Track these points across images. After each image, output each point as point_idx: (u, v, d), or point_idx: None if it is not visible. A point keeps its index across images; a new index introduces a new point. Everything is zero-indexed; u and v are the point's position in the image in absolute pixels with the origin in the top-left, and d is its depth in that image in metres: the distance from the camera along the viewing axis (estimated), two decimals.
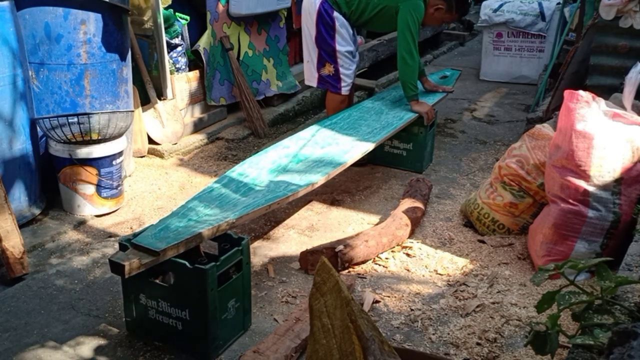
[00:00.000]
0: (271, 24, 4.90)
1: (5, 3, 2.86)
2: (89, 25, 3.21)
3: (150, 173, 3.79)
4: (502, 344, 2.26)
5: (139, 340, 2.28)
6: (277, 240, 3.05)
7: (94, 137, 3.09)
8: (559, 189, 2.64)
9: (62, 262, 2.81)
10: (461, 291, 2.59)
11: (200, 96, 4.43)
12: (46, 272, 2.72)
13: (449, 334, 2.32)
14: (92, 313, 2.45)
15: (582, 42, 4.00)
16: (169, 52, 4.05)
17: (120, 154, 3.23)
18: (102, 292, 2.59)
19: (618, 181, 2.54)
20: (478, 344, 2.25)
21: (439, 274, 2.75)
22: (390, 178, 3.80)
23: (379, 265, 2.82)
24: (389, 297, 2.57)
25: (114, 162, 3.19)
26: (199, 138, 4.26)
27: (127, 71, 3.54)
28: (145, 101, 4.02)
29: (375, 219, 3.27)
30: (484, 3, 6.14)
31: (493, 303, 2.50)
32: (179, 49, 4.15)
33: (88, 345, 2.26)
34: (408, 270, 2.79)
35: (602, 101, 2.68)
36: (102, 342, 2.28)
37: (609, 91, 3.38)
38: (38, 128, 3.14)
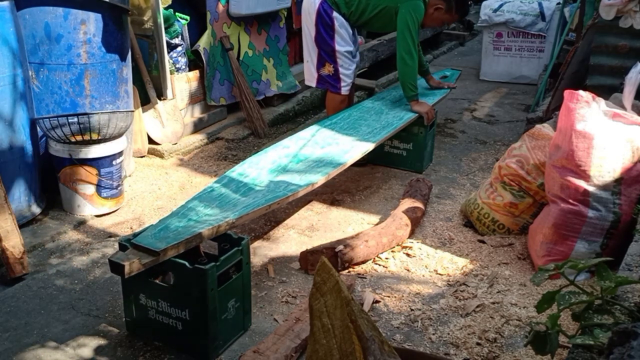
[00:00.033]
0: (271, 24, 4.90)
1: (5, 3, 2.86)
2: (89, 25, 3.21)
3: (150, 173, 3.80)
4: (502, 344, 2.26)
5: (139, 340, 2.28)
6: (277, 240, 3.05)
7: (94, 137, 3.09)
8: (559, 189, 2.64)
9: (62, 262, 2.81)
10: (461, 291, 2.59)
11: (200, 96, 4.43)
12: (46, 272, 2.72)
13: (449, 334, 2.32)
14: (92, 313, 2.45)
15: (582, 42, 4.00)
16: (169, 52, 4.05)
17: (120, 154, 3.23)
18: (102, 292, 2.59)
19: (618, 181, 2.54)
20: (478, 344, 2.25)
21: (439, 274, 2.75)
22: (390, 178, 3.80)
23: (379, 265, 2.82)
24: (389, 297, 2.57)
25: (114, 162, 3.19)
26: (199, 138, 4.26)
27: (127, 71, 3.54)
28: (145, 101, 4.02)
29: (375, 219, 3.27)
30: (484, 3, 6.14)
31: (493, 303, 2.50)
32: (179, 49, 4.15)
33: (88, 345, 2.26)
34: (408, 270, 2.79)
35: (602, 101, 2.68)
36: (102, 342, 2.28)
37: (609, 91, 3.38)
38: (38, 128, 3.14)
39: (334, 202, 3.46)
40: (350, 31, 3.76)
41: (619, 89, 3.20)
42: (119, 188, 3.28)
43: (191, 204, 2.42)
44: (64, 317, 2.42)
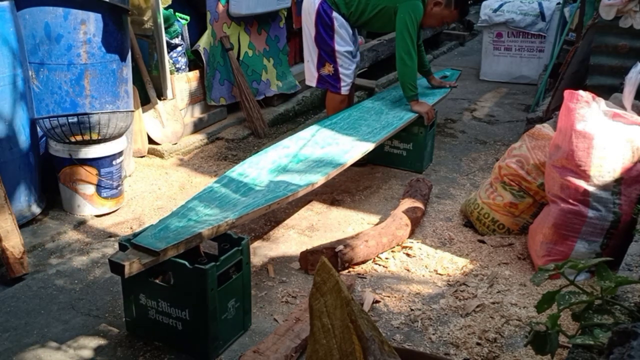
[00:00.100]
0: (271, 24, 4.90)
1: (5, 3, 2.86)
2: (89, 25, 3.21)
3: (150, 173, 3.80)
4: (502, 344, 2.26)
5: (139, 340, 2.28)
6: (277, 240, 3.05)
7: (94, 137, 3.09)
8: (559, 189, 2.64)
9: (62, 262, 2.81)
10: (461, 291, 2.59)
11: (200, 96, 4.43)
12: (46, 272, 2.72)
13: (449, 334, 2.32)
14: (92, 313, 2.45)
15: (582, 42, 4.00)
16: (169, 52, 4.05)
17: (120, 154, 3.23)
18: (102, 292, 2.59)
19: (618, 181, 2.54)
20: (478, 344, 2.25)
21: (439, 274, 2.75)
22: (390, 178, 3.80)
23: (379, 265, 2.82)
24: (389, 297, 2.57)
25: (114, 162, 3.19)
26: (199, 138, 4.26)
27: (127, 71, 3.54)
28: (145, 101, 4.02)
29: (375, 219, 3.27)
30: (484, 3, 6.14)
31: (493, 303, 2.50)
32: (179, 49, 4.15)
33: (88, 345, 2.26)
34: (408, 270, 2.79)
35: (602, 101, 2.68)
36: (102, 342, 2.28)
37: (609, 91, 3.38)
38: (38, 128, 3.14)
39: (334, 202, 3.46)
40: (350, 31, 3.76)
41: (619, 89, 3.20)
42: (119, 188, 3.28)
43: (191, 204, 2.42)
44: (64, 317, 2.42)
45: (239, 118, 4.62)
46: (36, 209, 3.13)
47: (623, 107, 2.77)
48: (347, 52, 3.76)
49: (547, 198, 2.78)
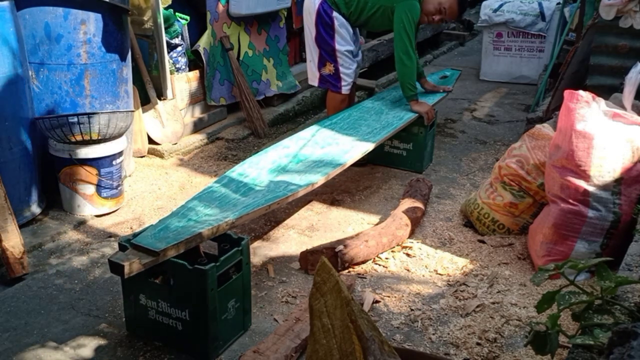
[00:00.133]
0: (271, 24, 4.90)
1: (5, 3, 2.86)
2: (89, 25, 3.21)
3: (150, 173, 3.80)
4: (502, 344, 2.26)
5: (139, 340, 2.28)
6: (277, 240, 3.05)
7: (94, 137, 3.09)
8: (559, 189, 2.64)
9: (62, 262, 2.81)
10: (461, 291, 2.59)
11: (200, 96, 4.43)
12: (46, 272, 2.72)
13: (449, 334, 2.32)
14: (92, 313, 2.45)
15: (582, 42, 4.00)
16: (169, 52, 4.05)
17: (120, 154, 3.23)
18: (102, 292, 2.59)
19: (618, 181, 2.54)
20: (478, 344, 2.25)
21: (439, 274, 2.75)
22: (390, 178, 3.80)
23: (379, 265, 2.82)
24: (389, 297, 2.57)
25: (114, 162, 3.19)
26: (199, 138, 4.26)
27: (127, 71, 3.54)
28: (145, 101, 4.02)
29: (375, 219, 3.27)
30: (484, 3, 6.14)
31: (493, 303, 2.50)
32: (179, 49, 4.15)
33: (88, 345, 2.26)
34: (408, 270, 2.79)
35: (602, 101, 2.68)
36: (102, 342, 2.28)
37: (609, 91, 3.38)
38: (38, 128, 3.14)
39: (334, 202, 3.46)
40: (351, 31, 3.77)
41: (619, 89, 3.20)
42: (119, 188, 3.28)
43: (191, 204, 2.42)
44: (64, 317, 2.42)
45: (239, 118, 4.62)
46: (36, 209, 3.13)
47: (623, 107, 2.77)
48: (347, 52, 3.76)
49: (547, 198, 2.78)
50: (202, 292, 2.08)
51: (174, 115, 4.12)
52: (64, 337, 2.30)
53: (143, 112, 3.96)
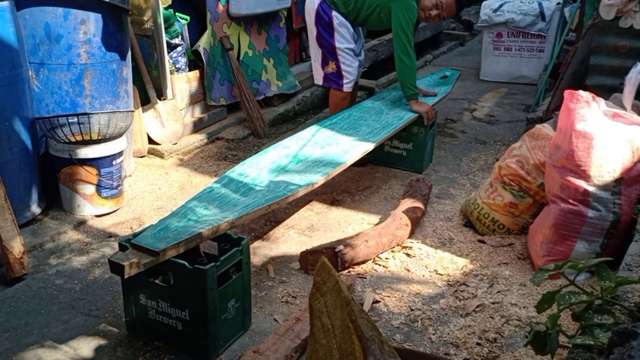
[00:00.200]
0: (271, 24, 4.90)
1: (5, 3, 2.86)
2: (89, 25, 3.21)
3: (150, 173, 3.79)
4: (502, 344, 2.26)
5: (139, 340, 2.28)
6: (277, 240, 3.05)
7: (94, 137, 3.09)
8: (559, 189, 2.63)
9: (62, 262, 2.81)
10: (461, 291, 2.59)
11: (200, 96, 4.43)
12: (46, 272, 2.72)
13: (449, 334, 2.32)
14: (92, 313, 2.45)
15: (582, 42, 4.00)
16: (169, 52, 4.05)
17: (120, 154, 3.23)
18: (102, 292, 2.59)
19: (618, 181, 2.54)
20: (478, 344, 2.25)
21: (439, 274, 2.75)
22: (390, 178, 3.80)
23: (379, 265, 2.82)
24: (389, 297, 2.57)
25: (114, 162, 3.19)
26: (199, 138, 4.26)
27: (127, 71, 3.54)
28: (145, 101, 4.02)
29: (375, 219, 3.27)
30: (484, 3, 6.13)
31: (493, 303, 2.50)
32: (179, 49, 4.15)
33: (88, 345, 2.26)
34: (408, 270, 2.79)
35: (602, 101, 2.68)
36: (102, 342, 2.28)
37: (609, 91, 3.38)
38: (38, 128, 3.14)
39: (334, 202, 3.46)
40: (352, 30, 3.79)
41: (619, 89, 3.20)
42: (119, 188, 3.28)
43: (191, 204, 2.42)
44: (64, 317, 2.42)
45: (239, 118, 4.62)
46: (36, 209, 3.13)
47: (623, 107, 2.77)
48: (348, 49, 3.78)
49: (547, 198, 2.78)
50: (202, 292, 2.08)
51: (174, 115, 4.12)
52: (64, 337, 2.30)
53: (143, 112, 3.96)
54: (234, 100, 4.62)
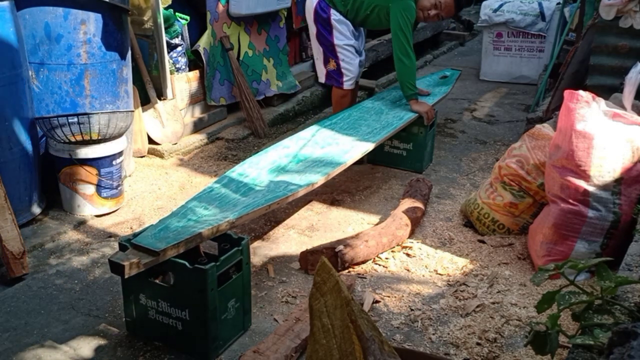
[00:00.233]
0: (271, 24, 4.90)
1: (5, 3, 2.86)
2: (89, 25, 3.21)
3: (150, 173, 3.79)
4: (502, 344, 2.26)
5: (139, 340, 2.28)
6: (277, 240, 3.05)
7: (94, 137, 3.09)
8: (559, 189, 2.63)
9: (62, 262, 2.81)
10: (461, 291, 2.59)
11: (200, 96, 4.43)
12: (46, 272, 2.72)
13: (449, 334, 2.32)
14: (92, 313, 2.45)
15: (582, 42, 4.00)
16: (169, 52, 4.05)
17: (120, 154, 3.23)
18: (102, 292, 2.59)
19: (618, 181, 2.54)
20: (478, 344, 2.25)
21: (439, 274, 2.75)
22: (390, 178, 3.80)
23: (379, 265, 2.82)
24: (389, 297, 2.57)
25: (114, 162, 3.19)
26: (199, 138, 4.26)
27: (127, 71, 3.54)
28: (145, 101, 4.02)
29: (375, 219, 3.27)
30: (484, 3, 6.13)
31: (493, 303, 2.50)
32: (179, 49, 4.15)
33: (88, 345, 2.26)
34: (408, 270, 2.79)
35: (602, 101, 2.68)
36: (102, 342, 2.28)
37: (609, 91, 3.38)
38: (38, 128, 3.14)
39: (334, 202, 3.46)
40: (351, 27, 3.80)
41: (619, 89, 3.20)
42: (119, 188, 3.28)
43: (191, 204, 2.42)
44: (64, 317, 2.42)
45: (239, 118, 4.62)
46: (36, 209, 3.13)
47: (623, 107, 2.77)
48: (347, 46, 3.79)
49: (547, 198, 2.78)
50: (202, 291, 2.08)
51: (174, 115, 4.12)
52: (64, 337, 2.30)
53: (143, 112, 3.96)
54: (234, 100, 4.62)
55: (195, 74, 4.34)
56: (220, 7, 4.40)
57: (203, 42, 4.31)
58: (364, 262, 2.81)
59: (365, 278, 2.71)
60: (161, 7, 3.88)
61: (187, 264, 2.08)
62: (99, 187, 3.17)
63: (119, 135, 3.20)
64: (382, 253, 2.88)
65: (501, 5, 5.96)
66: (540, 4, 5.84)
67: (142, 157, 3.98)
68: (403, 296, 2.58)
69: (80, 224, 3.14)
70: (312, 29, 3.85)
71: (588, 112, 2.59)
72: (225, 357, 2.22)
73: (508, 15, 5.89)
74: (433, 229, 3.15)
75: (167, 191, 3.57)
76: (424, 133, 3.78)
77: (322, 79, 4.03)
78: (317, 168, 2.94)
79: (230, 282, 2.19)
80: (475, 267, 2.79)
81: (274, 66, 5.00)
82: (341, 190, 3.61)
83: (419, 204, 3.17)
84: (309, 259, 2.73)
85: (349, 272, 2.75)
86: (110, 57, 3.34)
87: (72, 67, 3.22)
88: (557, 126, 2.73)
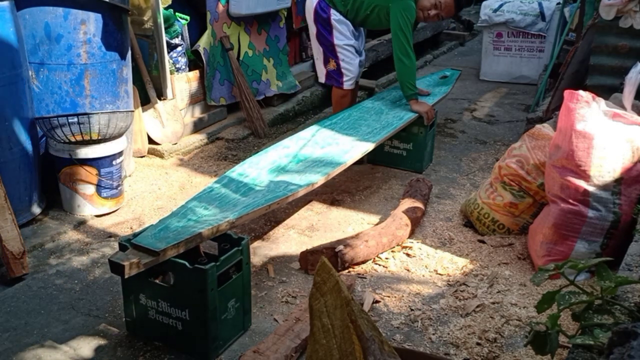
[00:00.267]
0: (271, 24, 4.90)
1: (5, 3, 2.86)
2: (89, 25, 3.21)
3: (150, 173, 3.79)
4: (502, 344, 2.26)
5: (139, 340, 2.28)
6: (277, 240, 3.05)
7: (94, 137, 3.09)
8: (559, 189, 2.63)
9: (62, 262, 2.81)
10: (461, 291, 2.59)
11: (200, 96, 4.43)
12: (46, 272, 2.72)
13: (449, 334, 2.32)
14: (92, 313, 2.45)
15: (582, 42, 4.00)
16: (169, 52, 4.05)
17: (120, 154, 3.23)
18: (102, 292, 2.59)
19: (618, 181, 2.54)
20: (478, 344, 2.25)
21: (439, 274, 2.75)
22: (390, 178, 3.80)
23: (379, 265, 2.82)
24: (389, 297, 2.57)
25: (114, 162, 3.19)
26: (199, 138, 4.26)
27: (127, 71, 3.54)
28: (145, 101, 4.02)
29: (375, 219, 3.27)
30: (484, 3, 6.13)
31: (493, 303, 2.50)
32: (179, 49, 4.15)
33: (88, 345, 2.26)
34: (408, 270, 2.79)
35: (602, 101, 2.68)
36: (102, 342, 2.28)
37: (609, 91, 3.38)
38: (38, 128, 3.14)
39: (334, 202, 3.46)
40: (351, 27, 3.80)
41: (619, 89, 3.20)
42: (119, 188, 3.28)
43: (191, 204, 2.42)
44: (64, 317, 2.42)
45: (239, 118, 4.62)
46: (36, 209, 3.13)
47: (623, 107, 2.77)
48: (347, 45, 3.79)
49: (547, 198, 2.78)
50: (202, 291, 2.08)
51: (174, 115, 4.12)
52: (64, 337, 2.30)
53: (143, 112, 3.96)
54: (234, 100, 4.62)
55: (195, 74, 4.34)
56: (220, 7, 4.40)
57: (203, 42, 4.31)
58: (364, 262, 2.81)
59: (365, 278, 2.71)
60: (161, 7, 3.88)
61: (187, 264, 2.08)
62: (99, 187, 3.17)
63: (119, 135, 3.20)
64: (382, 253, 2.88)
65: (501, 5, 5.96)
66: (540, 4, 5.84)
67: (142, 157, 3.98)
68: (403, 296, 2.58)
69: (80, 224, 3.14)
70: (312, 29, 3.86)
71: (588, 112, 2.59)
72: (225, 357, 2.22)
73: (508, 15, 5.89)
74: (433, 229, 3.15)
75: (167, 191, 3.57)
76: (424, 133, 3.78)
77: (322, 79, 4.03)
78: (317, 168, 2.94)
79: (230, 282, 2.19)
80: (475, 267, 2.79)
81: (274, 66, 5.00)
82: (341, 190, 3.61)
83: (419, 204, 3.17)
84: (309, 259, 2.73)
85: (349, 272, 2.75)
86: (110, 57, 3.34)
87: (72, 67, 3.22)
88: (557, 126, 2.73)
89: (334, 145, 3.23)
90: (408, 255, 2.90)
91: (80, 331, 2.34)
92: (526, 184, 2.94)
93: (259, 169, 2.88)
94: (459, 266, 2.80)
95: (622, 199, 2.55)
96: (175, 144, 4.09)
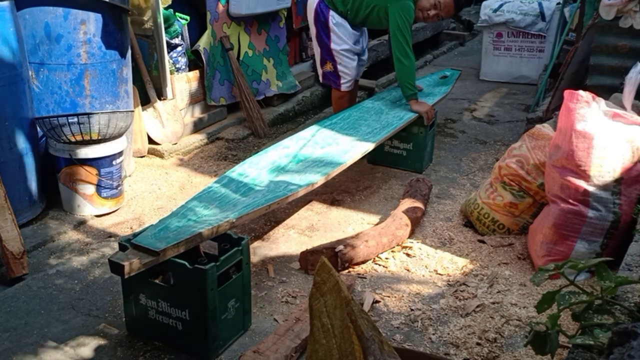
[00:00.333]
0: (271, 24, 4.90)
1: (5, 3, 2.86)
2: (89, 25, 3.21)
3: (150, 173, 3.79)
4: (502, 344, 2.26)
5: (139, 340, 2.28)
6: (277, 240, 3.05)
7: (94, 137, 3.09)
8: (559, 189, 2.63)
9: (62, 262, 2.81)
10: (461, 291, 2.59)
11: (200, 96, 4.43)
12: (46, 272, 2.72)
13: (449, 334, 2.32)
14: (92, 313, 2.45)
15: (582, 42, 4.00)
16: (169, 52, 4.05)
17: (120, 154, 3.23)
18: (102, 292, 2.59)
19: (618, 181, 2.54)
20: (478, 344, 2.25)
21: (439, 274, 2.75)
22: (390, 178, 3.80)
23: (379, 265, 2.82)
24: (389, 297, 2.57)
25: (114, 162, 3.19)
26: (199, 138, 4.26)
27: (127, 71, 3.54)
28: (145, 101, 4.02)
29: (375, 219, 3.27)
30: (484, 3, 6.14)
31: (493, 303, 2.50)
32: (179, 49, 4.15)
33: (88, 345, 2.26)
34: (408, 270, 2.79)
35: (602, 101, 2.68)
36: (102, 342, 2.28)
37: (609, 91, 3.38)
38: (38, 128, 3.14)
39: (334, 202, 3.46)
40: (350, 30, 3.80)
41: (619, 89, 3.20)
42: (119, 188, 3.28)
43: (191, 204, 2.42)
44: (64, 317, 2.42)
45: (239, 118, 4.62)
46: (36, 209, 3.13)
47: (623, 107, 2.77)
48: (344, 51, 3.80)
49: (547, 198, 2.78)
50: (202, 292, 2.08)
51: (174, 115, 4.12)
52: (64, 337, 2.30)
53: (143, 112, 3.96)
54: (234, 100, 4.62)
55: (195, 74, 4.34)
56: (220, 7, 4.40)
57: (203, 42, 4.31)
58: (364, 262, 2.81)
59: (365, 278, 2.71)
60: (161, 7, 3.88)
61: (187, 264, 2.08)
62: (99, 187, 3.17)
63: (119, 135, 3.20)
64: (382, 253, 2.88)
65: (501, 5, 5.96)
66: (540, 4, 5.84)
67: (142, 157, 3.98)
68: (403, 296, 2.58)
69: (80, 224, 3.14)
70: (313, 29, 3.88)
71: (588, 112, 2.59)
72: (225, 357, 2.22)
73: (508, 15, 5.89)
74: (433, 229, 3.15)
75: (167, 191, 3.57)
76: (424, 133, 3.78)
77: (320, 78, 4.06)
78: (317, 168, 2.94)
79: (230, 282, 2.19)
80: (475, 267, 2.79)
81: (274, 66, 5.00)
82: (341, 190, 3.61)
83: (419, 204, 3.17)
84: (309, 259, 2.73)
85: (349, 272, 2.75)
86: (110, 57, 3.34)
87: (72, 67, 3.22)
88: (557, 126, 2.73)
89: (334, 145, 3.23)
90: (408, 255, 2.90)
91: (80, 331, 2.34)
92: (526, 184, 2.94)
93: (259, 169, 2.88)
94: (459, 266, 2.80)
95: (622, 199, 2.55)
96: (175, 144, 4.09)
